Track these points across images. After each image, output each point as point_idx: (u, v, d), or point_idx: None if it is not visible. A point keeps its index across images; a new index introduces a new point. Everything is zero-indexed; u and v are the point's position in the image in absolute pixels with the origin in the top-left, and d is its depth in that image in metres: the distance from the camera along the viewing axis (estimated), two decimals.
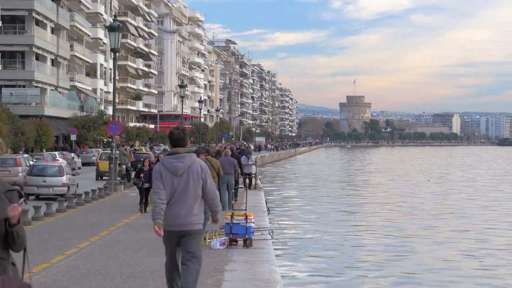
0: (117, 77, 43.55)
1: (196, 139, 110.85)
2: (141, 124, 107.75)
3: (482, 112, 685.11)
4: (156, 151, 68.22)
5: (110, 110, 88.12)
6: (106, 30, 44.58)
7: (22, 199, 5.42)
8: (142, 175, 24.76)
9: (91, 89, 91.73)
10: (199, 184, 9.28)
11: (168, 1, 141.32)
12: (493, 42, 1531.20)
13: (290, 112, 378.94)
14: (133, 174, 32.16)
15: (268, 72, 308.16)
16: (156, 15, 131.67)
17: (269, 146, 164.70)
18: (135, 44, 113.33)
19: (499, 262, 25.00)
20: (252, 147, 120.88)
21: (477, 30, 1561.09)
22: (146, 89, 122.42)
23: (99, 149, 70.12)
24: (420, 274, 22.70)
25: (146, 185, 24.24)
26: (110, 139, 49.15)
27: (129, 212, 24.06)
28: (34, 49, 72.05)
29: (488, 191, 58.72)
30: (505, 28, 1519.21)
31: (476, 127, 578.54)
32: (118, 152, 42.30)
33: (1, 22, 67.29)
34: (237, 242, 16.04)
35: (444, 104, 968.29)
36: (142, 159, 30.13)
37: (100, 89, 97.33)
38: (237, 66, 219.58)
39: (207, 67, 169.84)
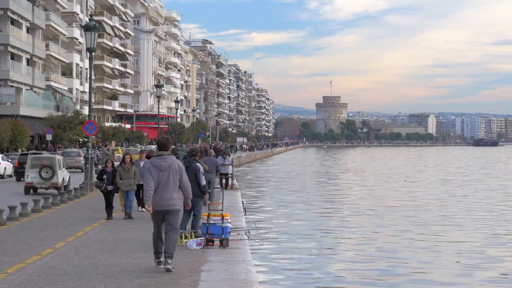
0: (93, 77, 43.40)
1: (172, 139, 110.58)
2: (117, 124, 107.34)
3: (457, 112, 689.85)
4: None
5: (86, 110, 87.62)
6: (82, 29, 44.45)
7: None
8: (105, 176, 22.53)
9: (67, 88, 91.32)
10: (177, 177, 13.14)
11: (144, 1, 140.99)
12: (468, 43, 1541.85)
13: (266, 112, 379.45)
14: None
15: (245, 72, 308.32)
16: (132, 15, 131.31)
17: (244, 146, 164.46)
18: (111, 44, 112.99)
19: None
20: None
21: (453, 31, 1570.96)
22: (122, 89, 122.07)
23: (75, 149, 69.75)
24: (398, 272, 22.83)
25: (110, 188, 22.45)
26: (86, 139, 48.97)
27: (104, 212, 23.93)
28: (9, 49, 71.62)
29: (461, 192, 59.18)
30: (480, 29, 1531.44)
31: (452, 128, 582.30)
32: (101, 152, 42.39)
33: None
34: (213, 242, 16.03)
35: (420, 105, 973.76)
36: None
37: (76, 88, 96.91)
38: (214, 66, 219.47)
39: (183, 67, 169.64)
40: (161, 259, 13.13)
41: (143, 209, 23.49)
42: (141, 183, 23.39)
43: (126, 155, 23.55)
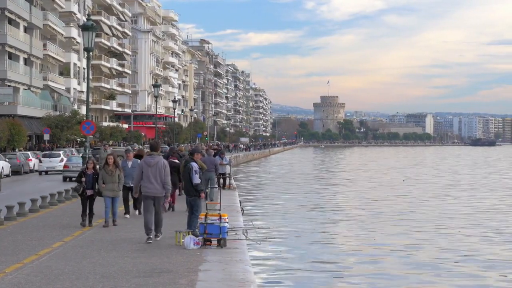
0: (90, 77, 43.32)
1: (170, 138, 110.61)
2: (115, 124, 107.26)
3: (455, 112, 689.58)
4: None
5: (83, 110, 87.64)
6: (80, 29, 44.35)
7: None
8: (84, 179, 20.72)
9: (64, 88, 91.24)
10: (162, 172, 16.88)
11: (142, 1, 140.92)
12: (465, 43, 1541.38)
13: (264, 112, 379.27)
14: None
15: (243, 72, 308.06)
16: (130, 15, 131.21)
17: (241, 146, 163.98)
18: (109, 44, 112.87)
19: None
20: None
21: (450, 31, 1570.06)
22: (120, 89, 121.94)
23: (73, 149, 69.80)
24: (394, 273, 22.83)
25: (89, 192, 20.59)
26: (84, 139, 48.93)
27: (102, 213, 23.88)
28: (7, 48, 71.56)
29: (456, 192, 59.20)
30: (477, 29, 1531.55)
31: (449, 128, 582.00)
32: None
33: None
34: (211, 242, 16.04)
35: (417, 105, 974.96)
36: None
37: (74, 88, 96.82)
38: (211, 66, 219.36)
39: (181, 67, 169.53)
40: (151, 236, 16.96)
41: (127, 216, 22.82)
42: (127, 185, 22.30)
43: (109, 155, 21.20)
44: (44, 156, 56.61)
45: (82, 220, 20.49)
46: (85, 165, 21.88)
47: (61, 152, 57.44)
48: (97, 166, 21.59)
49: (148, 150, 18.40)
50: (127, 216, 22.75)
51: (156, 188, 16.83)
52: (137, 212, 23.24)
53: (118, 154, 29.46)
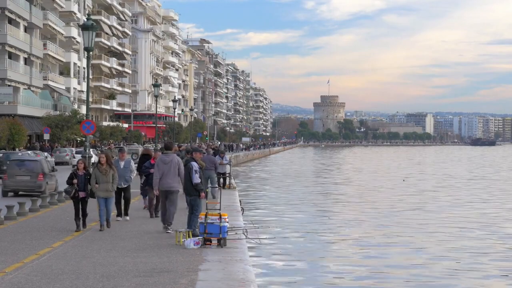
0: (90, 76, 43.27)
1: (170, 138, 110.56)
2: (115, 124, 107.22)
3: (455, 112, 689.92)
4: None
5: (83, 109, 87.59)
6: (80, 29, 44.31)
7: None
8: (75, 181, 19.54)
9: (64, 88, 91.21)
10: (176, 168, 18.57)
11: (142, 0, 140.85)
12: (465, 42, 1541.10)
13: (264, 112, 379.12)
14: None
15: (243, 71, 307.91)
16: (130, 14, 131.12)
17: (241, 145, 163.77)
18: (109, 43, 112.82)
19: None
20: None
21: (449, 30, 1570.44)
22: (120, 88, 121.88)
23: (73, 148, 69.81)
24: (393, 273, 22.82)
25: (82, 194, 19.51)
26: (84, 139, 48.94)
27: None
28: (7, 48, 71.51)
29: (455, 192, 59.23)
30: (477, 29, 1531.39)
31: (449, 127, 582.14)
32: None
33: None
34: (211, 242, 16.04)
35: (417, 104, 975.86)
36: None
37: (74, 88, 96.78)
38: (211, 66, 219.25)
39: (181, 67, 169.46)
40: (167, 225, 18.61)
41: (119, 218, 21.95)
42: (119, 186, 21.34)
43: (101, 154, 20.22)
44: (77, 152, 65.45)
45: (77, 226, 19.44)
46: (75, 166, 20.35)
47: (91, 150, 61.14)
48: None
49: (163, 148, 20.26)
50: (119, 218, 21.90)
51: (172, 183, 18.58)
52: (127, 217, 22.13)
53: (133, 152, 29.30)
